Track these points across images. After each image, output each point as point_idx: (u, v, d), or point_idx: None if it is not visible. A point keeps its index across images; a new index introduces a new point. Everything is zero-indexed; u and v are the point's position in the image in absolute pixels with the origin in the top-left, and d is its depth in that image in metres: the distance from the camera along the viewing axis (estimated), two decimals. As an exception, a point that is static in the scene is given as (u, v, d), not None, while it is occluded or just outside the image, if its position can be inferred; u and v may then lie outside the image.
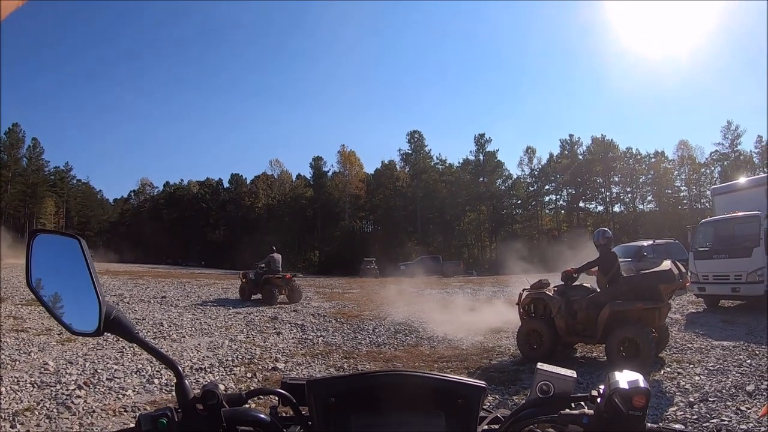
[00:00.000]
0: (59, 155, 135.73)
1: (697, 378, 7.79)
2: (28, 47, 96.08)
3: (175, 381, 1.13)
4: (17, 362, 8.46)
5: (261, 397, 1.82)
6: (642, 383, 1.09)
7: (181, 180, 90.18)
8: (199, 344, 10.69)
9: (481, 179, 75.22)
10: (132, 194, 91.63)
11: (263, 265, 19.07)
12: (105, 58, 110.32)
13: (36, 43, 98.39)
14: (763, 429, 5.58)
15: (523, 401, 1.28)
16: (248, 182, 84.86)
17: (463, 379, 1.24)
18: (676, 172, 72.22)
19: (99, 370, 8.02)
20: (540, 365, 1.27)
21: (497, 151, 77.34)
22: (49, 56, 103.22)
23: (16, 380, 7.33)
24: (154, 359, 1.36)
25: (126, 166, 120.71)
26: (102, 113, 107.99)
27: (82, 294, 1.15)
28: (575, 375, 1.26)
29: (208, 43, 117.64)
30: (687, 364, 8.63)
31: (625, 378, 1.11)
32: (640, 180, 73.50)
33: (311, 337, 11.85)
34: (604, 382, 1.15)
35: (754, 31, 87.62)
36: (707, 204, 32.37)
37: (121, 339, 1.25)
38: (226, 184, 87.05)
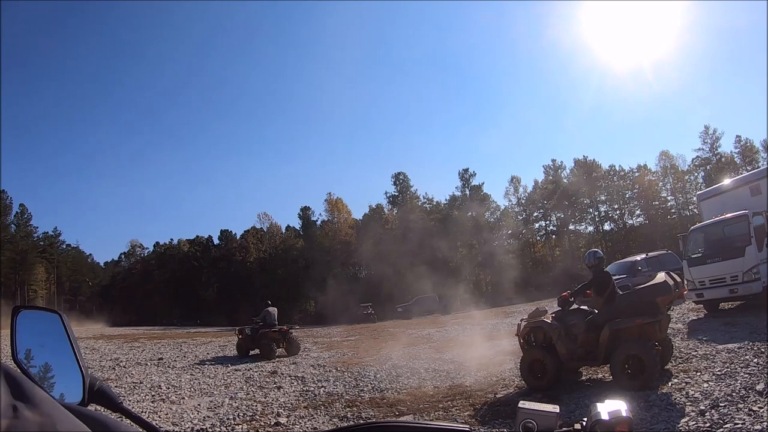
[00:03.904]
0: (47, 221, 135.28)
1: (705, 385, 7.73)
2: (10, 112, 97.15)
3: None
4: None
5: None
6: (624, 412, 1.09)
7: (171, 239, 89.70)
8: (199, 404, 10.49)
9: (470, 214, 75.46)
10: (122, 256, 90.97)
11: (259, 319, 18.89)
12: (88, 120, 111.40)
13: (18, 108, 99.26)
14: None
15: None
16: (238, 237, 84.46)
17: (445, 424, 1.23)
18: (660, 183, 72.58)
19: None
20: (521, 403, 1.27)
21: (482, 184, 78.11)
22: (33, 120, 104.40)
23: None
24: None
25: (115, 228, 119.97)
26: (88, 176, 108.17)
27: (66, 367, 1.17)
28: (558, 410, 1.26)
29: (190, 102, 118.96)
30: (694, 373, 8.58)
31: (606, 408, 1.11)
32: (627, 195, 73.82)
33: (312, 388, 11.66)
34: (586, 414, 1.15)
35: (719, 35, 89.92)
36: (695, 210, 32.71)
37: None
38: (216, 241, 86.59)
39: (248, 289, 69.16)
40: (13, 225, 75.55)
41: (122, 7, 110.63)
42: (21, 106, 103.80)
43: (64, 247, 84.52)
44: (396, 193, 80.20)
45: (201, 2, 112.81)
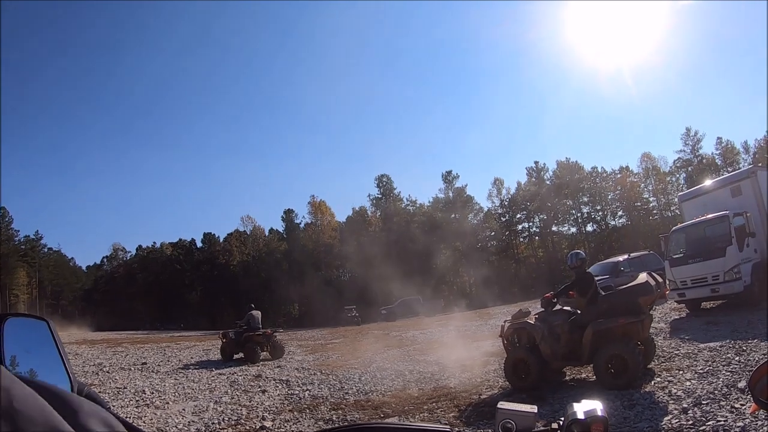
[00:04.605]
0: (29, 224, 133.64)
1: (688, 383, 7.82)
2: None
3: None
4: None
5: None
6: (599, 412, 1.12)
7: (154, 243, 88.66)
8: (183, 409, 10.41)
9: (453, 216, 75.71)
10: (105, 260, 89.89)
11: (243, 323, 18.79)
12: (70, 122, 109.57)
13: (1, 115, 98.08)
14: (759, 423, 5.60)
15: None
16: (221, 240, 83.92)
17: (426, 425, 1.25)
18: (642, 185, 73.26)
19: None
20: (501, 404, 1.29)
21: (466, 186, 78.46)
22: (14, 121, 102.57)
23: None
24: None
25: (97, 231, 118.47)
26: (69, 179, 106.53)
27: (53, 373, 1.18)
28: (536, 409, 1.29)
29: (173, 105, 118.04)
30: (677, 371, 8.67)
31: (582, 408, 1.14)
32: (609, 197, 74.43)
33: (297, 391, 11.63)
34: (563, 413, 1.17)
35: (700, 37, 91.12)
36: (677, 211, 33.16)
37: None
38: (199, 244, 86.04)
39: (232, 292, 68.74)
40: (-7, 228, 74.51)
41: (105, 6, 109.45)
42: (2, 107, 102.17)
43: (46, 250, 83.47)
44: (379, 196, 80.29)
45: (184, 3, 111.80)
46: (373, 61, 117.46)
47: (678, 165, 71.09)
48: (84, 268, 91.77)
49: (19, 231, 78.65)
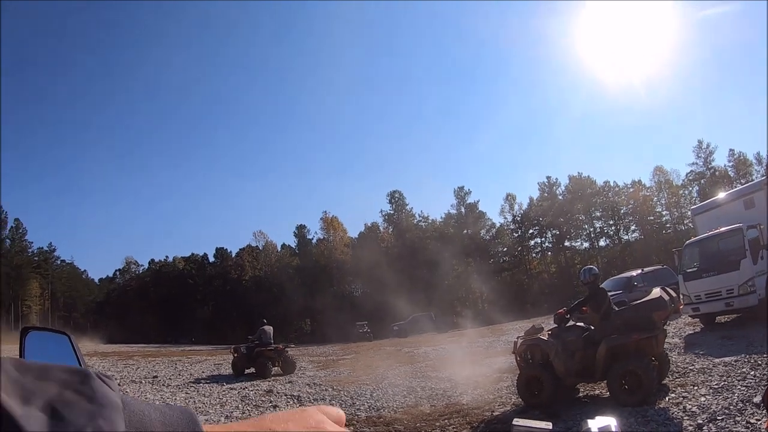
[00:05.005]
0: (42, 236, 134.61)
1: (702, 399, 7.71)
2: (6, 128, 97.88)
3: None
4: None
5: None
6: (614, 428, 1.11)
7: (166, 257, 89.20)
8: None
9: (465, 231, 75.55)
10: (117, 273, 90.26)
11: (254, 338, 18.77)
12: (84, 136, 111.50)
13: (15, 123, 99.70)
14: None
15: None
16: (233, 255, 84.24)
17: None
18: (655, 198, 72.71)
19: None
20: (516, 421, 1.28)
21: (478, 202, 78.40)
22: (29, 135, 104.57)
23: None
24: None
25: (110, 245, 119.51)
26: (83, 193, 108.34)
27: None
28: (551, 426, 1.26)
29: (185, 122, 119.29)
30: (691, 387, 8.56)
31: (596, 425, 1.13)
32: (622, 211, 73.84)
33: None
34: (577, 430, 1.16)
35: (711, 49, 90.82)
36: (690, 225, 32.97)
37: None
38: (211, 259, 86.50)
39: (243, 307, 68.79)
40: (8, 239, 75.54)
41: (120, 16, 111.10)
42: (18, 121, 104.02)
43: (59, 262, 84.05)
44: (392, 212, 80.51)
45: (195, 18, 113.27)
46: (386, 77, 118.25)
47: (691, 178, 70.52)
48: (96, 280, 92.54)
49: (32, 243, 79.46)
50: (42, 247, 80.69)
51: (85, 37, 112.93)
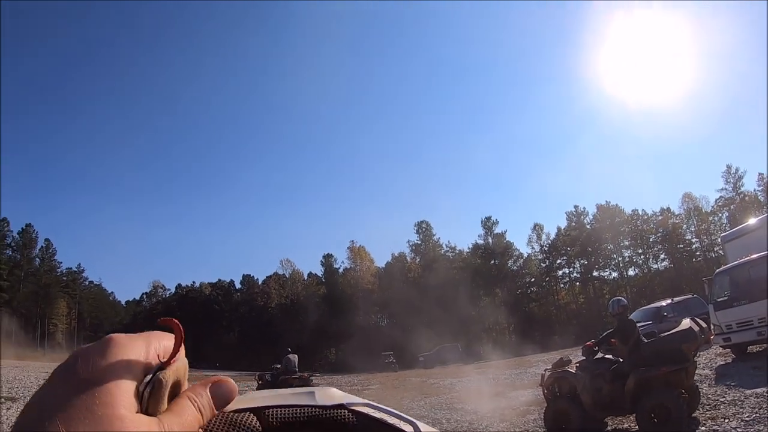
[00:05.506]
0: (71, 257, 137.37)
1: (734, 432, 7.52)
2: (43, 156, 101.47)
3: None
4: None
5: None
6: None
7: (193, 282, 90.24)
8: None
9: (493, 262, 75.20)
10: (144, 296, 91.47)
11: (279, 366, 18.78)
12: (115, 165, 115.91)
13: (49, 147, 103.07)
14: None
15: None
16: (260, 283, 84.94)
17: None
18: (684, 226, 71.76)
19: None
20: None
21: (505, 232, 78.26)
22: (67, 163, 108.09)
23: None
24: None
25: (138, 268, 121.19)
26: (113, 217, 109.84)
27: None
28: None
29: (215, 148, 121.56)
30: (722, 420, 8.36)
31: None
32: (650, 240, 72.90)
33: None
34: None
35: (736, 72, 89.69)
36: (721, 252, 32.18)
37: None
38: (238, 285, 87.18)
39: (269, 334, 68.94)
40: (37, 258, 77.18)
41: (162, 51, 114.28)
42: (52, 145, 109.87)
43: (87, 283, 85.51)
44: (419, 242, 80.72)
45: (232, 59, 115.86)
46: (415, 108, 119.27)
47: (720, 204, 69.50)
48: (123, 302, 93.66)
49: (61, 263, 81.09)
50: (71, 268, 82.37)
51: (136, 75, 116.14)
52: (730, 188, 68.43)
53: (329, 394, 0.64)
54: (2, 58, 78.79)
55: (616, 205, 74.86)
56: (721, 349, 15.76)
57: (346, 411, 0.59)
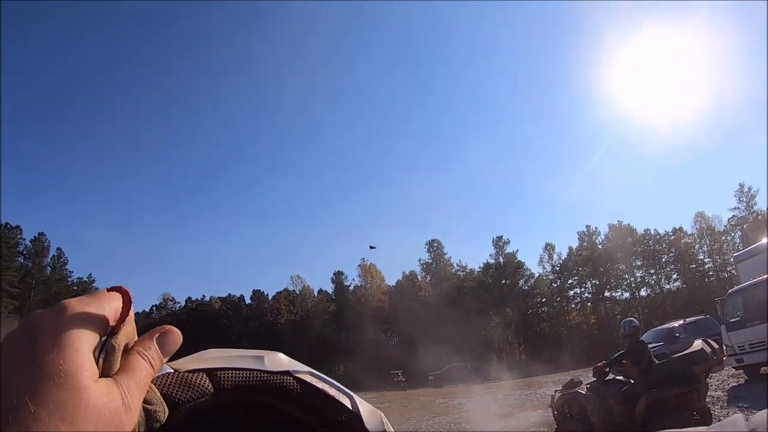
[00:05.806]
0: (83, 267, 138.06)
1: (746, 454, 7.40)
2: (61, 168, 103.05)
3: None
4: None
5: None
6: None
7: (203, 296, 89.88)
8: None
9: (504, 281, 75.01)
10: (154, 309, 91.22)
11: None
12: (127, 181, 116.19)
13: (69, 164, 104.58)
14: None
15: None
16: (270, 298, 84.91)
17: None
18: (697, 246, 71.22)
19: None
20: None
21: (516, 251, 77.98)
22: (78, 175, 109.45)
23: None
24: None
25: (148, 281, 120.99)
26: (125, 230, 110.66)
27: None
28: None
29: (226, 164, 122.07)
30: (734, 442, 8.22)
31: None
32: (663, 260, 72.37)
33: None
34: None
35: (749, 89, 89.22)
36: (734, 272, 31.75)
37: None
38: (248, 300, 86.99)
39: (278, 350, 67.70)
40: (48, 267, 77.74)
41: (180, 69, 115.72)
42: (70, 157, 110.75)
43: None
44: (430, 261, 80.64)
45: (253, 76, 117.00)
46: (427, 125, 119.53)
47: (733, 223, 69.02)
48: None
49: (72, 272, 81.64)
50: (81, 277, 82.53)
51: (150, 85, 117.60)
52: (743, 207, 68.01)
53: (277, 359, 0.67)
54: (21, 69, 79.72)
55: (628, 224, 74.67)
56: (733, 370, 15.63)
57: (291, 378, 0.63)
